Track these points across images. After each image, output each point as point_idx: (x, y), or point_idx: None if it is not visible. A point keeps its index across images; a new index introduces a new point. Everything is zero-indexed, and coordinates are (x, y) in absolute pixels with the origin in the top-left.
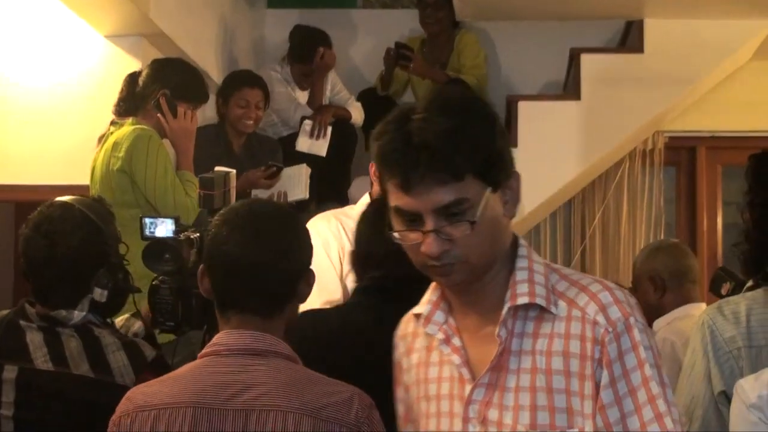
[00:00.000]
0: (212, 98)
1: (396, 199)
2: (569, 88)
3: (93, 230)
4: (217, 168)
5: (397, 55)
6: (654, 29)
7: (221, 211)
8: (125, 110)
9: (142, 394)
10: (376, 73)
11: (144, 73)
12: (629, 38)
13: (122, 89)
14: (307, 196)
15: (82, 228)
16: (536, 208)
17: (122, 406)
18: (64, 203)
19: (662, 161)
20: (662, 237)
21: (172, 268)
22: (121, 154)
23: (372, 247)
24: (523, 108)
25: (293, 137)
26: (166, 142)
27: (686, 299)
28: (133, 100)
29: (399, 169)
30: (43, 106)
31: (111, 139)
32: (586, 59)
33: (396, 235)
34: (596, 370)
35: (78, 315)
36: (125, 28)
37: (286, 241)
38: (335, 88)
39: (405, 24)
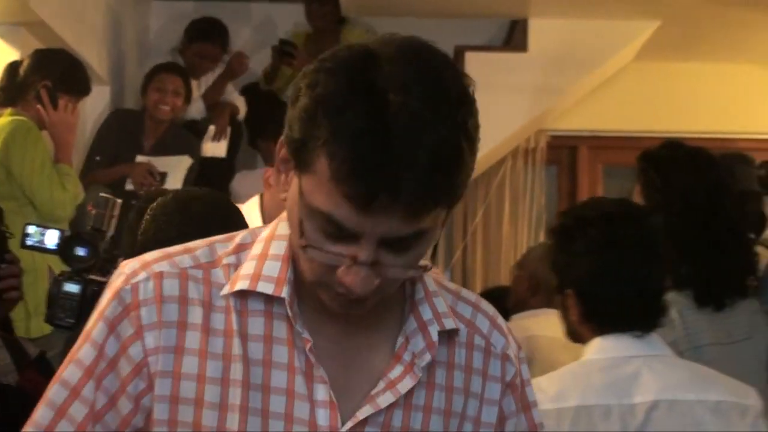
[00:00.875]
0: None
1: (333, 206)
2: None
3: None
4: (101, 194)
5: (281, 51)
6: (538, 28)
7: (152, 206)
8: (4, 100)
9: None
10: (262, 66)
11: (25, 63)
12: (513, 37)
13: (2, 78)
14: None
15: None
16: None
17: None
18: None
19: (544, 160)
20: (543, 235)
21: (90, 263)
22: None
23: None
24: None
25: None
26: (46, 134)
27: (548, 305)
28: (12, 90)
29: (365, 183)
30: None
31: None
32: (470, 57)
33: (310, 250)
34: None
35: None
36: (3, 16)
37: (217, 224)
38: None
39: (291, 18)
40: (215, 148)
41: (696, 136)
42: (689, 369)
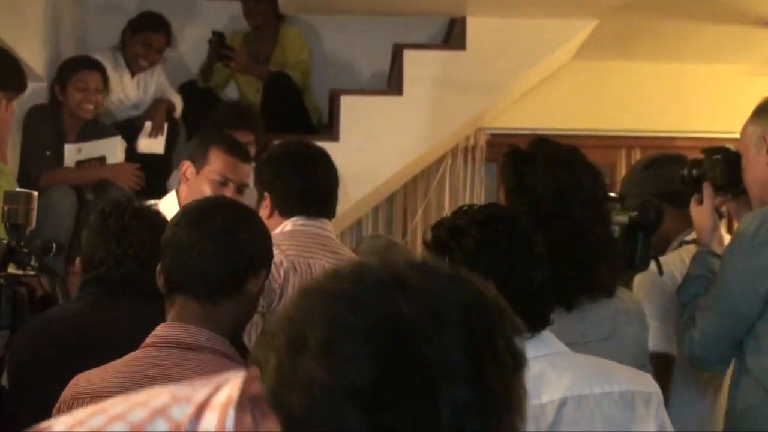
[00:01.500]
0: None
1: None
2: (392, 84)
3: None
4: (19, 189)
5: (218, 51)
6: (476, 27)
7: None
8: None
9: (83, 380)
10: (199, 63)
11: None
12: (452, 35)
13: None
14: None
15: None
16: (357, 202)
17: (66, 392)
18: None
19: (484, 157)
20: None
21: None
22: None
23: (94, 251)
24: (346, 102)
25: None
26: None
27: None
28: None
29: None
30: None
31: None
32: (408, 55)
33: None
34: None
35: None
36: None
37: (233, 233)
38: (160, 77)
39: (229, 14)
40: (152, 144)
41: (633, 134)
42: (590, 363)
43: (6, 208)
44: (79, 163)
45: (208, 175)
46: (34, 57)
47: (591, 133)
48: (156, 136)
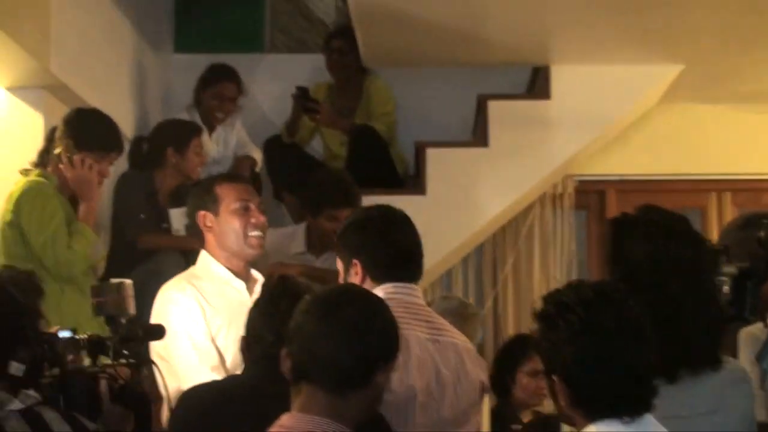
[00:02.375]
0: None
1: None
2: (477, 135)
3: (12, 304)
4: (112, 280)
5: (304, 105)
6: (560, 75)
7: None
8: (38, 164)
9: None
10: (283, 118)
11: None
12: (536, 84)
13: (43, 143)
14: None
15: (3, 300)
16: (446, 255)
17: None
18: None
19: (573, 205)
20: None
21: None
22: (11, 207)
23: (263, 333)
24: (432, 155)
25: None
26: None
27: None
28: (45, 152)
29: None
30: None
31: (11, 191)
32: (493, 106)
33: None
34: None
35: (18, 403)
36: (26, 81)
37: (364, 325)
38: (240, 132)
39: (312, 68)
40: None
41: (723, 177)
42: None
43: (95, 302)
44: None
45: (229, 207)
46: (122, 118)
47: (680, 178)
48: None
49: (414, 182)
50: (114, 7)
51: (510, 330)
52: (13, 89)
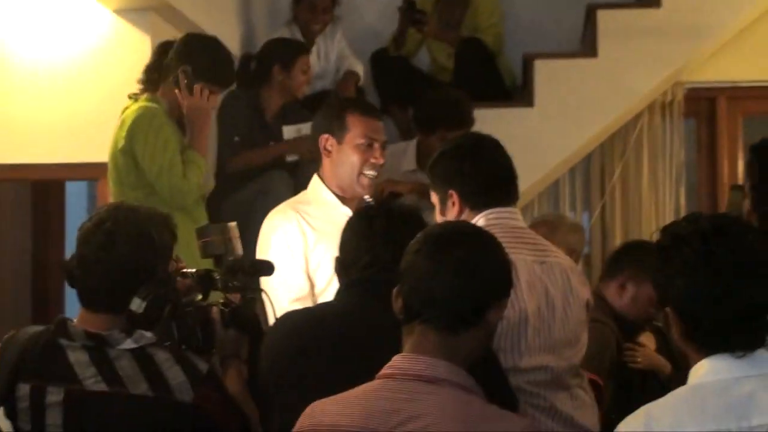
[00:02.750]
0: None
1: None
2: (586, 45)
3: (148, 242)
4: (209, 223)
5: (411, 17)
6: None
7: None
8: (149, 81)
9: (320, 411)
10: (389, 30)
11: (174, 47)
12: None
13: (151, 58)
14: None
15: (140, 237)
16: (555, 167)
17: (302, 420)
18: (132, 207)
19: (682, 113)
20: (683, 191)
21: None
22: (123, 134)
23: (358, 254)
24: (540, 66)
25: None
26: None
27: None
28: (156, 71)
29: None
30: (51, 83)
31: (122, 117)
32: (602, 15)
33: None
34: None
35: (130, 343)
36: (133, 2)
37: (477, 263)
38: (340, 44)
39: None
40: None
41: None
42: None
43: (201, 243)
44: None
45: (353, 141)
46: (228, 36)
47: None
48: None
49: (522, 94)
50: None
51: (618, 241)
52: (120, 11)
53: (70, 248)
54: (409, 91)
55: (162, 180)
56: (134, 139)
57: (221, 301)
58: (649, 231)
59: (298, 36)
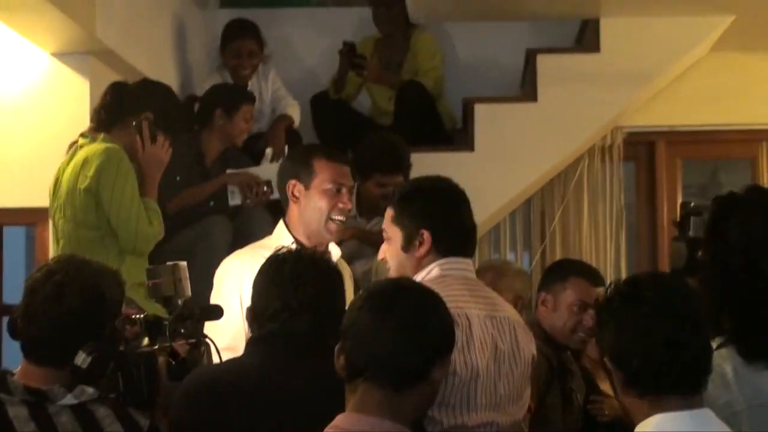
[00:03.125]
0: None
1: None
2: (526, 89)
3: (99, 296)
4: (168, 263)
5: (351, 61)
6: (610, 28)
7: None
8: (105, 121)
9: None
10: (330, 73)
11: (130, 90)
12: (585, 37)
13: (104, 98)
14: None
15: (92, 290)
16: (494, 211)
17: None
18: (83, 261)
19: (622, 157)
20: (623, 233)
21: None
22: (89, 173)
23: (268, 301)
24: (480, 110)
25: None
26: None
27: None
28: (115, 112)
29: None
30: None
31: (81, 154)
32: (542, 60)
33: None
34: None
35: (71, 399)
36: (71, 46)
37: (421, 319)
38: (275, 84)
39: (359, 21)
40: (270, 169)
41: None
42: None
43: (150, 284)
44: None
45: (321, 186)
46: (167, 78)
47: (730, 128)
48: (278, 160)
49: (462, 138)
50: None
51: None
52: (58, 54)
53: (7, 294)
54: (348, 135)
55: (130, 225)
56: (101, 182)
57: (167, 345)
58: None
59: (229, 80)
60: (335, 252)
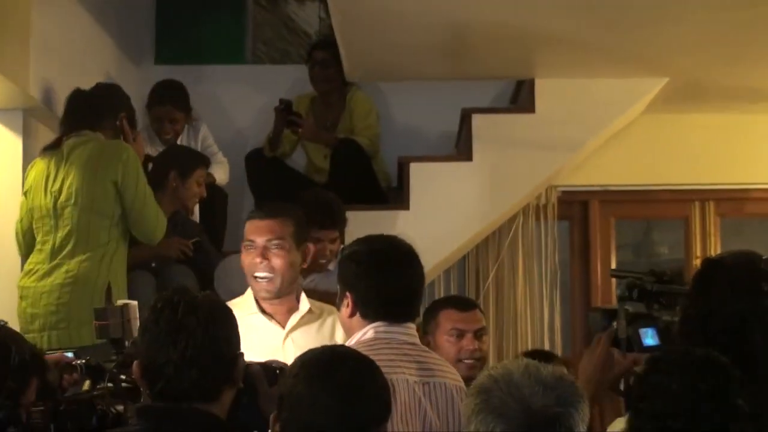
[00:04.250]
0: None
1: None
2: (461, 149)
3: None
4: (120, 301)
5: (287, 119)
6: (544, 89)
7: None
8: (77, 123)
9: None
10: (265, 130)
11: (98, 95)
12: (520, 98)
13: (69, 105)
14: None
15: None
16: (429, 269)
17: None
18: None
19: (556, 215)
20: (558, 291)
21: None
22: (116, 166)
23: (150, 354)
24: (415, 169)
25: None
26: None
27: None
28: (87, 114)
29: None
30: None
31: (90, 146)
32: (477, 119)
33: None
34: None
35: None
36: (4, 103)
37: (358, 388)
38: (206, 141)
39: (294, 80)
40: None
41: (707, 187)
42: None
43: (97, 325)
44: None
45: (243, 245)
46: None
47: (664, 187)
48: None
49: (397, 196)
50: (94, 22)
51: (491, 342)
52: None
53: None
54: (284, 193)
55: (152, 219)
56: (127, 175)
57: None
58: (524, 331)
59: (156, 140)
60: (303, 307)
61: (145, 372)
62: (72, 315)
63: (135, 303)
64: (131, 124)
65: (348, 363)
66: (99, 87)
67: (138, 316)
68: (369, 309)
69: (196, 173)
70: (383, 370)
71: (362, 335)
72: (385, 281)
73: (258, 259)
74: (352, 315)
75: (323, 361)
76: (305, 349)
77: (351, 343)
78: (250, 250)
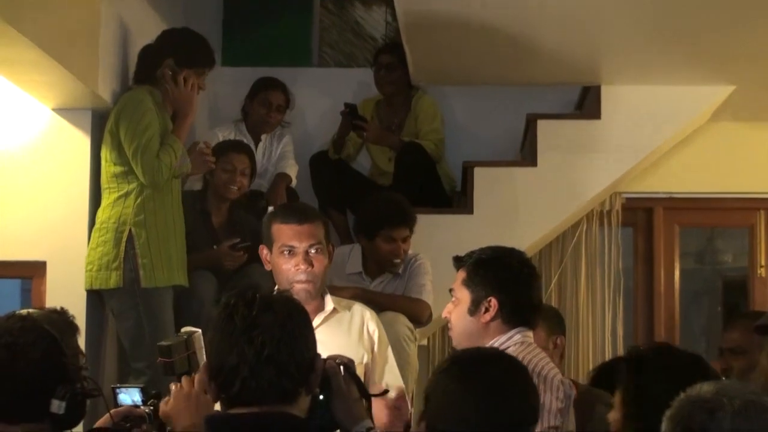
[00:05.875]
0: None
1: None
2: (526, 154)
3: (52, 343)
4: (183, 329)
5: (352, 122)
6: (611, 95)
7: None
8: (139, 81)
9: None
10: (330, 132)
11: (148, 48)
12: (586, 104)
13: (137, 62)
14: None
15: (43, 340)
16: None
17: None
18: (24, 316)
19: (620, 222)
20: (620, 298)
21: None
22: (111, 116)
23: (221, 356)
24: (480, 174)
25: None
26: None
27: None
28: (142, 71)
29: None
30: None
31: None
32: (542, 125)
33: None
34: None
35: None
36: (73, 102)
37: (507, 386)
38: (286, 147)
39: (360, 83)
40: None
41: None
42: None
43: (161, 362)
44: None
45: (278, 250)
46: None
47: (728, 196)
48: None
49: (461, 201)
50: (161, 23)
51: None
52: (59, 110)
53: None
54: (347, 195)
55: (137, 158)
56: (119, 120)
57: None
58: (586, 338)
59: (245, 134)
60: (328, 307)
61: (216, 374)
62: (91, 258)
63: (199, 332)
64: (184, 63)
65: (501, 362)
66: (158, 37)
67: (203, 345)
68: (516, 315)
69: (221, 159)
70: (549, 369)
71: (507, 339)
72: (537, 290)
73: (303, 266)
74: (493, 319)
75: (476, 359)
76: (331, 347)
77: (496, 344)
78: (288, 255)
